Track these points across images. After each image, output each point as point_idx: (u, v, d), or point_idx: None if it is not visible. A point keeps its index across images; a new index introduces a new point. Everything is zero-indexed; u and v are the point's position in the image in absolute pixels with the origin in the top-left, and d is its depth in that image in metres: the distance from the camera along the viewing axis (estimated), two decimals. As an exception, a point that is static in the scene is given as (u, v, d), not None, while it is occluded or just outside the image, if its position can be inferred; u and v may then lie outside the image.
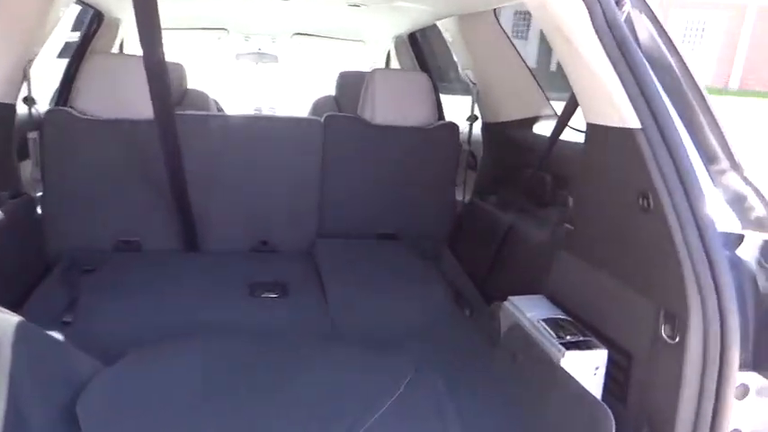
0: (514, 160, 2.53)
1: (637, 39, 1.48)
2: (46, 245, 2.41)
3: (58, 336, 1.78)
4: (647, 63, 1.45)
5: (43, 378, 1.48)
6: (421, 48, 3.81)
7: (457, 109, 3.10)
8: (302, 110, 4.29)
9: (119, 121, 2.42)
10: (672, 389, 1.32)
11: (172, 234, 2.56)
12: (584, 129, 1.79)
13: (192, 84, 3.93)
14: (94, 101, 2.41)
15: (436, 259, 2.62)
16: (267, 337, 1.95)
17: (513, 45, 2.57)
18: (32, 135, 2.33)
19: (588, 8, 1.46)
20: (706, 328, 1.29)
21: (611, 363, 1.54)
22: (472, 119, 2.83)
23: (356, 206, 2.75)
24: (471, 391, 1.68)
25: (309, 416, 1.56)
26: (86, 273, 2.27)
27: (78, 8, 2.95)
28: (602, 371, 1.53)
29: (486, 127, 2.83)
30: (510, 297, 1.81)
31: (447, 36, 2.91)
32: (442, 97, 3.56)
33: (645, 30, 1.49)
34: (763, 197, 1.36)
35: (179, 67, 3.65)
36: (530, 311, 1.70)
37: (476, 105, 2.81)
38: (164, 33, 1.92)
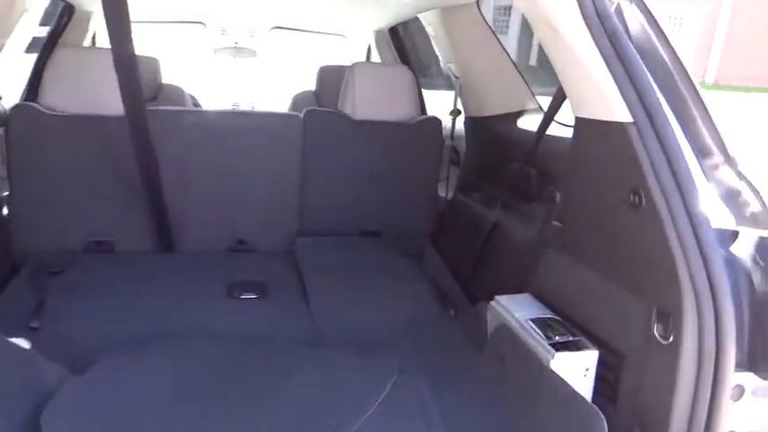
0: (499, 155, 2.48)
1: (627, 30, 1.43)
2: (12, 246, 2.31)
3: (23, 342, 1.69)
4: (637, 55, 1.40)
5: (6, 388, 1.41)
6: (402, 42, 3.75)
7: (438, 104, 3.05)
8: (282, 105, 4.21)
9: (88, 117, 2.33)
10: (665, 390, 1.29)
11: (146, 234, 2.47)
12: (570, 123, 1.74)
13: (168, 79, 3.83)
14: (63, 96, 2.32)
15: (419, 257, 2.56)
16: (246, 341, 1.88)
17: (496, 38, 2.52)
18: None
19: None
20: (701, 328, 1.25)
21: (602, 363, 1.50)
22: (455, 113, 2.78)
23: (337, 203, 2.68)
24: (457, 394, 1.63)
25: (291, 422, 1.50)
26: (55, 275, 2.17)
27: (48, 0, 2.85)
28: (593, 372, 1.49)
29: (469, 122, 2.77)
30: (496, 296, 1.76)
31: (429, 29, 2.85)
32: (423, 93, 3.50)
33: (636, 21, 1.44)
34: (757, 192, 1.32)
35: (153, 61, 3.55)
36: (517, 311, 1.66)
37: (458, 100, 2.76)
38: (138, 27, 1.84)
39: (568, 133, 1.79)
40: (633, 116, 1.37)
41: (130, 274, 2.25)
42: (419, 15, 2.91)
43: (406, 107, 2.68)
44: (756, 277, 1.28)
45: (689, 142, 1.36)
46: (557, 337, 1.51)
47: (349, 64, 2.98)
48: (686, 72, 1.40)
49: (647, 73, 1.38)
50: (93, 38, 3.42)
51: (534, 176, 2.12)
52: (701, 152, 1.37)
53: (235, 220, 2.59)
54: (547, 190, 1.96)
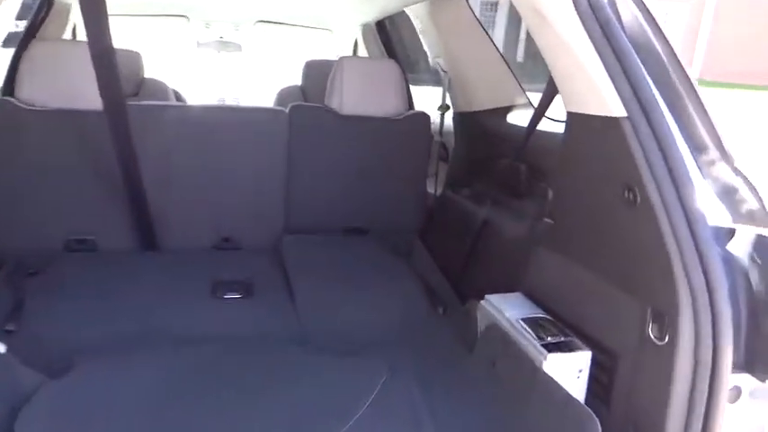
0: (488, 151, 2.44)
1: (620, 21, 1.39)
2: None
3: None
4: (631, 47, 1.36)
5: None
6: (389, 36, 3.70)
7: (425, 100, 3.01)
8: (268, 101, 4.15)
9: (67, 112, 2.26)
10: (660, 392, 1.25)
11: (129, 232, 2.41)
12: (561, 118, 1.71)
13: (152, 74, 3.74)
14: (40, 90, 2.24)
15: (408, 254, 2.52)
16: (231, 342, 1.83)
17: (485, 31, 2.47)
18: None
19: None
20: (697, 328, 1.22)
21: (595, 364, 1.46)
22: (444, 108, 2.74)
23: (324, 200, 2.63)
24: (447, 395, 1.59)
25: (277, 426, 1.46)
26: (33, 275, 2.11)
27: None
28: (586, 373, 1.46)
29: (458, 117, 2.73)
30: (487, 295, 1.72)
31: (417, 23, 2.80)
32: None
33: (629, 12, 1.40)
34: (754, 189, 1.29)
35: (135, 55, 3.47)
36: (508, 310, 1.62)
37: (447, 95, 2.71)
38: (120, 20, 1.78)
39: (560, 129, 1.76)
40: (627, 111, 1.34)
41: (112, 274, 2.19)
42: (406, 9, 2.86)
43: (394, 102, 2.63)
44: (754, 276, 1.25)
45: (684, 138, 1.33)
46: (549, 338, 1.48)
47: (335, 58, 2.93)
48: (681, 66, 1.37)
49: (642, 66, 1.35)
50: (74, 30, 3.34)
51: (525, 172, 2.09)
52: (697, 148, 1.33)
53: (219, 218, 2.54)
54: (538, 186, 1.93)
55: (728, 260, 1.25)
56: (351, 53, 4.12)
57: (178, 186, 2.44)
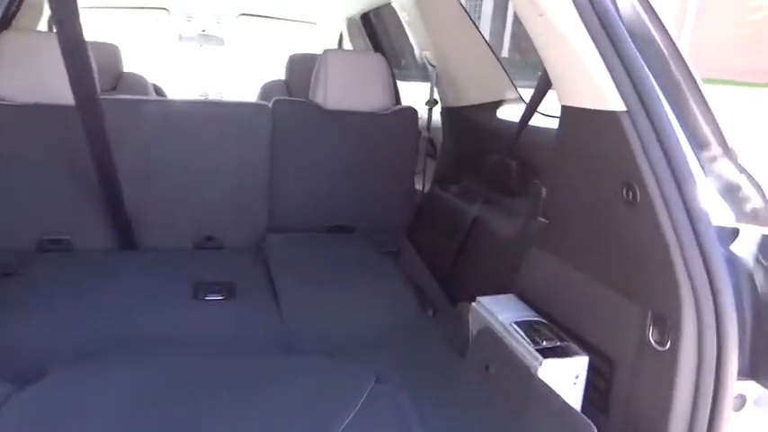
0: (478, 147, 2.37)
1: (619, 11, 1.33)
2: None
3: None
4: (630, 39, 1.30)
5: None
6: (375, 30, 3.62)
7: (412, 96, 2.94)
8: (252, 95, 4.06)
9: (38, 107, 2.16)
10: (661, 400, 1.20)
11: (106, 231, 2.32)
12: (554, 113, 1.64)
13: (132, 68, 3.64)
14: (10, 84, 2.14)
15: (395, 253, 2.45)
16: (212, 347, 1.75)
17: (474, 24, 2.41)
18: None
19: None
20: (701, 333, 1.16)
21: (592, 370, 1.40)
22: (431, 103, 2.67)
23: (309, 198, 2.56)
24: (438, 402, 1.52)
25: None
26: (6, 276, 2.02)
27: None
28: (583, 379, 1.40)
29: (446, 112, 2.66)
30: (479, 297, 1.66)
31: (403, 15, 2.72)
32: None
33: (628, 3, 1.34)
34: (759, 187, 1.23)
35: (113, 48, 3.36)
36: (501, 313, 1.55)
37: (435, 89, 2.64)
38: (98, 13, 1.69)
39: (553, 124, 1.69)
40: (626, 104, 1.27)
41: (88, 275, 2.11)
42: (392, 1, 2.79)
43: (381, 96, 2.56)
44: (759, 278, 1.19)
45: (685, 133, 1.27)
46: (544, 342, 1.42)
47: (320, 53, 2.85)
48: (682, 58, 1.31)
49: (641, 58, 1.28)
50: (50, 21, 3.23)
51: (517, 169, 2.02)
52: (699, 144, 1.27)
53: (201, 216, 2.45)
54: (531, 184, 1.86)
55: (732, 261, 1.19)
56: (336, 47, 4.04)
57: (157, 183, 2.35)
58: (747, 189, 1.24)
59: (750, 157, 1.28)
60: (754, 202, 1.23)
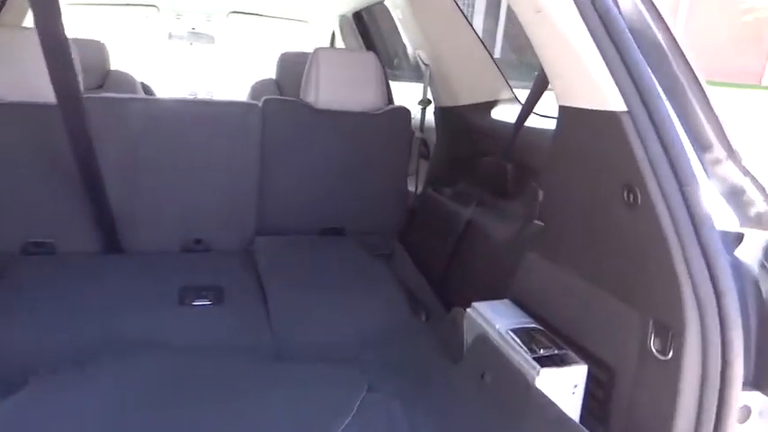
0: (472, 148, 2.33)
1: (619, 8, 1.29)
2: None
3: None
4: (632, 37, 1.26)
5: None
6: (367, 28, 3.57)
7: (405, 97, 2.89)
8: (243, 95, 4.00)
9: (21, 105, 2.09)
10: (663, 411, 1.15)
11: (91, 234, 2.25)
12: (550, 114, 1.60)
13: (120, 66, 3.57)
14: None
15: (387, 256, 2.40)
16: (199, 354, 1.69)
17: (468, 22, 2.36)
18: None
19: None
20: (705, 342, 1.12)
21: (591, 379, 1.36)
22: (425, 103, 2.62)
23: (299, 199, 2.50)
24: (432, 412, 1.47)
25: None
26: None
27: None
28: (582, 389, 1.35)
29: (439, 112, 2.62)
30: (474, 303, 1.61)
31: (396, 13, 2.67)
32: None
33: (630, 1, 1.30)
34: (763, 190, 1.19)
35: (100, 45, 3.29)
36: (497, 320, 1.51)
37: (428, 89, 2.59)
38: (85, 10, 1.62)
39: (550, 125, 1.65)
40: (627, 104, 1.23)
41: (72, 279, 2.05)
42: (385, -1, 2.74)
43: (373, 96, 2.50)
44: (764, 284, 1.15)
45: (687, 134, 1.23)
46: (541, 350, 1.37)
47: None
48: (685, 58, 1.27)
49: (643, 57, 1.24)
50: None
51: (512, 171, 1.98)
52: (702, 145, 1.23)
53: (189, 218, 2.39)
54: (527, 186, 1.81)
55: (737, 267, 1.15)
56: (328, 46, 3.99)
57: (144, 185, 2.29)
58: (752, 192, 1.20)
59: (752, 160, 1.24)
60: (759, 205, 1.19)
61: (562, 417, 1.26)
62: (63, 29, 1.66)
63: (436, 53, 2.47)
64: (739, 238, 1.19)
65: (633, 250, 1.26)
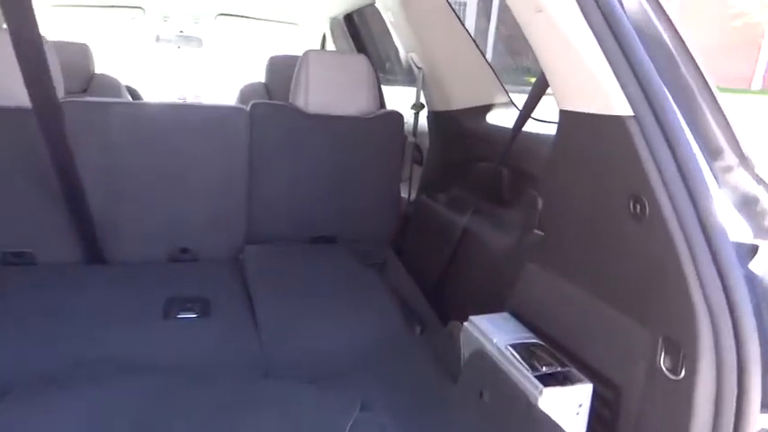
0: (467, 153, 2.26)
1: (624, 8, 1.22)
2: None
3: None
4: (637, 37, 1.19)
5: None
6: (358, 31, 3.51)
7: (398, 102, 2.82)
8: (232, 98, 3.92)
9: None
10: None
11: (72, 243, 2.17)
12: (548, 118, 1.53)
13: (106, 70, 3.48)
14: None
15: (380, 265, 2.33)
16: (184, 370, 1.61)
17: (462, 24, 2.29)
18: None
19: None
20: (719, 361, 1.05)
21: (596, 398, 1.29)
22: (418, 107, 2.55)
23: (289, 206, 2.42)
24: None
25: None
26: None
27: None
28: (587, 409, 1.28)
29: (433, 116, 2.55)
30: (471, 317, 1.53)
31: (388, 15, 2.60)
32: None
33: (635, 0, 1.23)
34: (778, 199, 1.13)
35: (84, 47, 3.21)
36: (496, 335, 1.43)
37: (421, 92, 2.53)
38: (69, 11, 1.55)
39: (549, 130, 1.58)
40: (633, 108, 1.16)
41: (52, 292, 1.96)
42: (376, 0, 2.67)
43: (365, 100, 2.43)
44: (781, 300, 1.09)
45: (696, 140, 1.16)
46: (543, 368, 1.30)
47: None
48: (693, 59, 1.20)
49: (650, 59, 1.18)
50: None
51: (510, 178, 1.91)
52: (712, 152, 1.17)
53: (175, 226, 2.31)
54: (525, 194, 1.74)
55: (752, 281, 1.09)
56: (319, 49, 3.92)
57: (127, 192, 2.21)
58: (766, 201, 1.14)
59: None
60: (774, 216, 1.13)
61: (567, 439, 1.19)
62: (37, 30, 1.58)
63: (429, 56, 2.40)
64: (754, 250, 1.12)
65: (641, 263, 1.19)
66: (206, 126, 2.29)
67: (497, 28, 14.51)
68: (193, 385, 1.53)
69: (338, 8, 3.36)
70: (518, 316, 1.54)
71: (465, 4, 15.51)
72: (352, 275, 2.23)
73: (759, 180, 1.15)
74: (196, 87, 4.87)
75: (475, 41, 2.32)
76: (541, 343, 1.41)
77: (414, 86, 2.56)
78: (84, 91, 3.13)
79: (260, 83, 3.68)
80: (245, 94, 3.58)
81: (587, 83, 1.26)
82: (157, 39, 4.31)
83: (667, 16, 1.23)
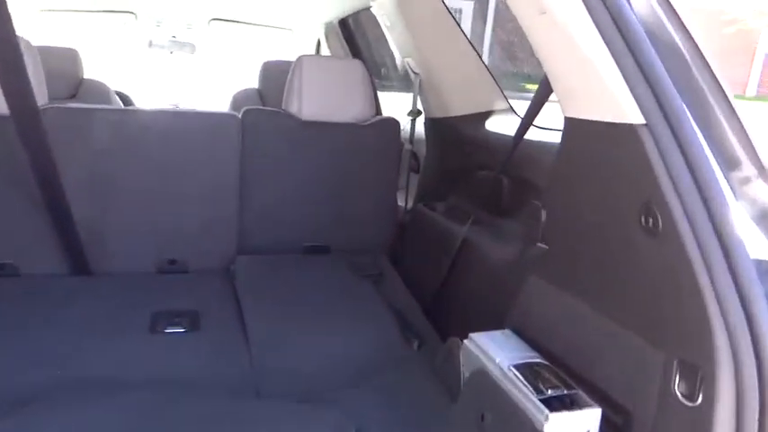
0: (465, 161, 2.19)
1: (635, 13, 1.16)
2: None
3: None
4: (648, 41, 1.13)
5: None
6: (353, 36, 3.45)
7: (394, 109, 2.76)
8: (226, 105, 3.86)
9: None
10: None
11: (57, 255, 2.09)
12: (551, 126, 1.47)
13: (98, 76, 3.40)
14: None
15: (376, 276, 2.25)
16: (170, 388, 1.54)
17: (460, 28, 2.23)
18: None
19: None
20: (739, 386, 0.98)
21: (605, 422, 1.21)
22: (414, 114, 2.48)
23: (282, 216, 2.35)
24: None
25: None
26: None
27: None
28: (595, 434, 1.21)
29: (430, 123, 2.48)
30: (471, 335, 1.46)
31: (383, 20, 2.54)
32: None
33: (645, 2, 1.17)
34: (800, 213, 1.06)
35: (72, 52, 3.14)
36: (498, 354, 1.36)
37: (418, 99, 2.46)
38: (59, 16, 1.48)
39: (552, 138, 1.51)
40: (645, 116, 1.10)
41: (35, 304, 1.90)
42: (372, 5, 2.60)
43: (360, 106, 2.36)
44: (803, 320, 1.01)
45: (712, 150, 1.10)
46: (549, 391, 1.22)
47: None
48: (708, 64, 1.14)
49: (662, 64, 1.11)
50: None
51: (511, 187, 1.84)
52: (729, 163, 1.10)
53: (164, 237, 2.24)
54: (528, 204, 1.67)
55: (773, 301, 1.02)
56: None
57: (114, 201, 2.14)
58: (787, 215, 1.07)
59: None
60: (796, 230, 1.06)
61: (575, 469, 1.11)
62: (14, 33, 1.51)
63: (426, 61, 2.34)
64: (774, 267, 1.06)
65: (653, 280, 1.12)
66: (196, 133, 2.22)
67: (494, 30, 14.51)
68: (179, 406, 1.46)
69: (333, 13, 3.30)
70: (520, 332, 1.47)
71: (460, 11, 15.51)
72: (346, 287, 2.16)
73: (779, 192, 1.08)
74: (189, 93, 4.80)
75: (473, 46, 2.25)
76: (546, 363, 1.34)
77: (410, 92, 2.49)
78: (73, 97, 3.06)
79: (253, 89, 3.62)
80: (239, 101, 3.52)
81: (595, 88, 1.19)
82: (150, 44, 4.24)
83: (679, 17, 1.17)
